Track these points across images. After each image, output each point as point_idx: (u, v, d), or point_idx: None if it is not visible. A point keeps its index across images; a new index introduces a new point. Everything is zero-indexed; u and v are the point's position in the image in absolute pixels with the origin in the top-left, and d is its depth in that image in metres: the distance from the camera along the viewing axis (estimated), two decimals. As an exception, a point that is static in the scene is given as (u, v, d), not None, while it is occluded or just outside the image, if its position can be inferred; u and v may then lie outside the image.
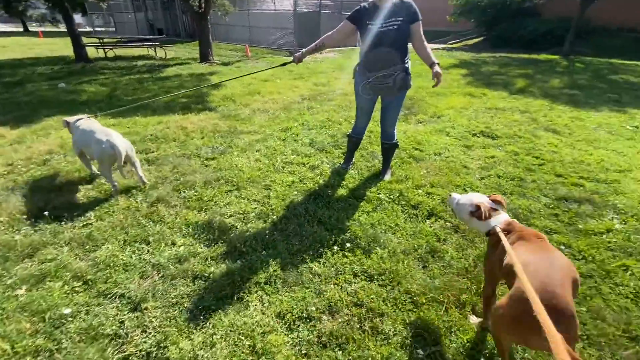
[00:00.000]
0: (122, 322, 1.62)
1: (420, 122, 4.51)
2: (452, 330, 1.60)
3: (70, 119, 2.91)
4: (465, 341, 1.54)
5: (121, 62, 9.99)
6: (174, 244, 2.15)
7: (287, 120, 4.52)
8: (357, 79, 2.71)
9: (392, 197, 2.70)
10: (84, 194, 2.72)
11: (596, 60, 9.88)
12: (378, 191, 2.78)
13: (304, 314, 1.66)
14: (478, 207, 1.50)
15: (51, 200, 2.60)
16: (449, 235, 2.27)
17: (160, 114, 4.81)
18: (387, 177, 3.00)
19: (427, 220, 2.43)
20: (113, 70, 8.41)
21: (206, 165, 3.24)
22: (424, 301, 1.74)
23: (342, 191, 2.79)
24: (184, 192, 2.75)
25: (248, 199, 2.66)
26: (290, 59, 2.73)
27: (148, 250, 2.10)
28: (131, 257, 2.03)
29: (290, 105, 5.27)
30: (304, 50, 2.69)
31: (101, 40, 11.33)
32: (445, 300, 1.74)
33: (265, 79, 7.07)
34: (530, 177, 3.05)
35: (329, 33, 2.60)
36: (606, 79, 7.53)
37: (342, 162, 3.28)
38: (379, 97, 2.75)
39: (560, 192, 2.80)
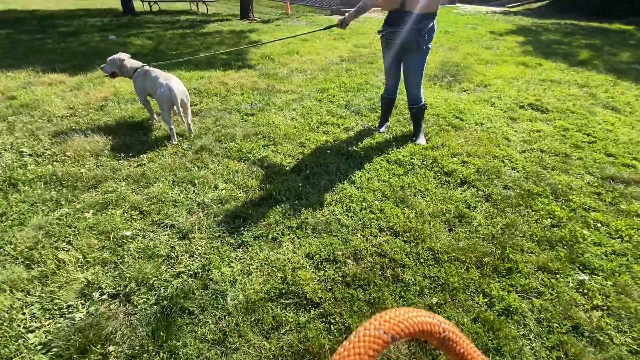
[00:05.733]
0: (172, 247, 1.86)
1: (465, 91, 4.29)
2: (469, 286, 1.67)
3: (129, 61, 3.09)
4: (482, 300, 1.62)
5: (164, 16, 10.15)
6: (216, 187, 2.35)
7: (324, 82, 4.49)
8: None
9: (425, 163, 2.70)
10: (136, 138, 2.98)
11: (682, 32, 8.56)
12: (412, 156, 2.78)
13: (331, 257, 1.80)
14: None
15: (109, 141, 2.88)
16: (479, 203, 2.27)
17: (203, 69, 4.95)
18: (422, 141, 2.97)
19: (459, 188, 2.42)
20: (157, 25, 8.60)
21: (245, 120, 3.37)
22: (446, 259, 1.81)
23: (374, 154, 2.82)
24: (225, 143, 2.92)
25: (283, 154, 2.78)
26: (335, 21, 2.70)
27: (194, 191, 2.32)
28: (179, 195, 2.26)
29: (329, 66, 5.19)
30: (346, 14, 2.63)
31: (147, -6, 11.47)
32: (467, 261, 1.80)
33: (305, 39, 6.92)
34: (576, 154, 2.88)
35: None
36: (690, 54, 6.57)
37: (377, 125, 3.27)
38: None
39: (607, 171, 2.64)
